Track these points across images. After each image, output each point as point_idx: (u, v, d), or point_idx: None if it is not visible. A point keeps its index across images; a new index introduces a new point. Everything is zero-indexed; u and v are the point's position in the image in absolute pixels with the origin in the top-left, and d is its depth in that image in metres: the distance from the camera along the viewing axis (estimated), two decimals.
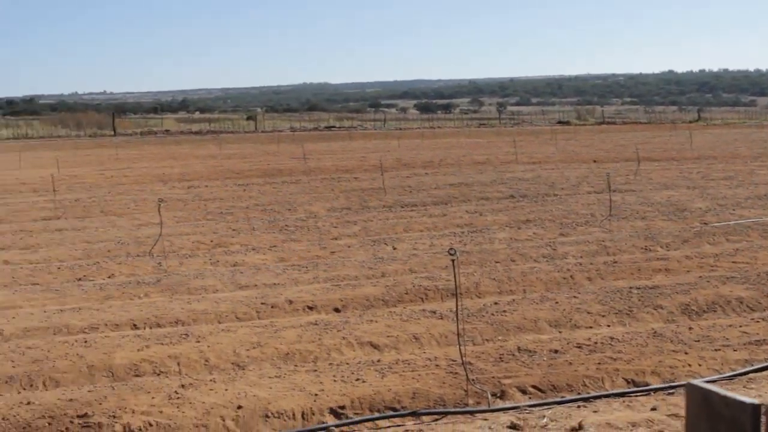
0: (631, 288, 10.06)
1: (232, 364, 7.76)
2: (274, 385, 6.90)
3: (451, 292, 10.26)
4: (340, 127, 66.05)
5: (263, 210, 18.02)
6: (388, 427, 6.32)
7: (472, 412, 6.50)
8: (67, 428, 6.23)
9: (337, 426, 6.28)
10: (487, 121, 74.58)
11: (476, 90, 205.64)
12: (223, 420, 6.34)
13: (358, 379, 7.02)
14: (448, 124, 70.59)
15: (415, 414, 6.47)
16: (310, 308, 9.72)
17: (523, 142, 39.54)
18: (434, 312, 9.19)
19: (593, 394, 6.84)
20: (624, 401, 6.67)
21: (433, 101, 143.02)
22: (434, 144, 41.24)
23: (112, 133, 62.80)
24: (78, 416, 6.36)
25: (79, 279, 11.74)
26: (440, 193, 20.24)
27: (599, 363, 7.39)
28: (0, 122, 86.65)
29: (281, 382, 6.98)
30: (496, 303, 9.53)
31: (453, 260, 6.59)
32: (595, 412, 6.41)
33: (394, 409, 6.58)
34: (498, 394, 6.85)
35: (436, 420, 6.41)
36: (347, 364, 7.50)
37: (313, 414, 6.48)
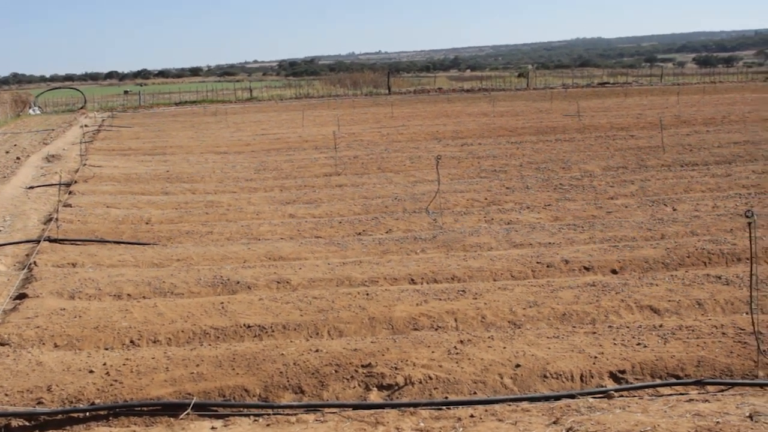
0: None
1: (509, 322, 7.79)
2: (552, 346, 6.86)
3: (737, 256, 9.76)
4: (614, 83, 63.98)
5: (537, 168, 17.87)
6: (671, 395, 6.11)
7: (762, 385, 6.14)
8: (352, 376, 6.52)
9: (617, 390, 6.14)
10: None
11: (762, 41, 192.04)
12: (501, 377, 6.38)
13: (639, 344, 6.83)
14: (730, 79, 66.34)
15: (700, 383, 6.21)
16: (587, 269, 9.56)
17: None
18: (719, 277, 8.76)
19: None
20: None
21: (714, 54, 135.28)
22: (716, 100, 39.05)
23: (387, 91, 64.45)
24: (362, 366, 6.63)
25: (359, 233, 12.20)
26: (723, 151, 19.16)
27: None
28: (284, 83, 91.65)
29: (559, 343, 6.92)
30: None
31: (749, 223, 6.21)
32: None
33: (677, 377, 6.35)
34: None
35: (723, 391, 6.12)
36: (627, 327, 7.32)
37: (592, 377, 6.38)
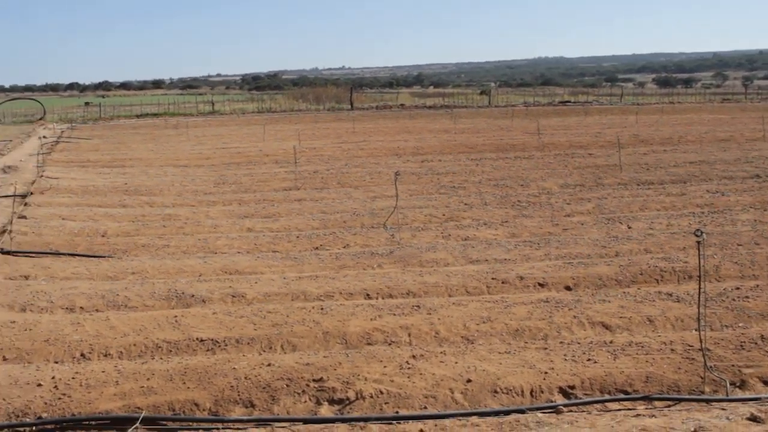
0: None
1: (462, 337, 7.82)
2: (504, 361, 6.90)
3: (688, 274, 9.88)
4: (575, 102, 64.70)
5: (495, 185, 17.99)
6: (619, 410, 6.17)
7: (708, 401, 6.23)
8: (303, 391, 6.51)
9: (566, 405, 6.19)
10: (731, 96, 70.56)
11: (720, 63, 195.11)
12: (452, 392, 6.40)
13: (589, 360, 6.89)
14: (688, 100, 67.49)
15: (647, 398, 6.28)
16: (541, 285, 9.63)
17: None
18: (670, 294, 8.86)
19: None
20: None
21: (673, 75, 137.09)
22: (674, 120, 39.60)
23: (350, 107, 64.59)
24: (314, 380, 6.62)
25: (316, 248, 12.20)
26: (679, 171, 19.44)
27: None
28: (246, 96, 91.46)
29: (511, 358, 6.96)
30: (737, 288, 9.06)
31: (699, 242, 6.30)
32: None
33: (626, 392, 6.42)
34: (737, 384, 6.53)
35: (669, 406, 6.19)
36: (578, 343, 7.38)
37: (542, 392, 6.43)
